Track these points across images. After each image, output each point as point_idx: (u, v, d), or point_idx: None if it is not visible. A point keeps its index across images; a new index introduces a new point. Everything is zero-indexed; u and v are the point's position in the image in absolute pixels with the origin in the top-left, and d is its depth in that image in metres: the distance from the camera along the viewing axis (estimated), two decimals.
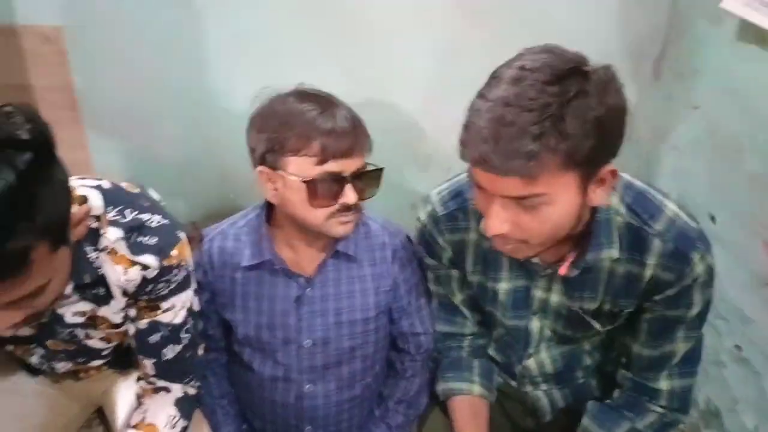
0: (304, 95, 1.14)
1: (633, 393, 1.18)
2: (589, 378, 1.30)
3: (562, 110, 0.82)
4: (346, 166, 1.10)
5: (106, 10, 1.53)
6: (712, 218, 1.43)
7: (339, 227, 1.15)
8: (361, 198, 1.14)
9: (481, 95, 0.88)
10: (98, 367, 1.30)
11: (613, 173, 0.93)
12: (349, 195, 1.11)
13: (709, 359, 1.49)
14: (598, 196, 0.94)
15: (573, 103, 0.82)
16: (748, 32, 1.29)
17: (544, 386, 1.29)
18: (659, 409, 1.15)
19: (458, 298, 1.28)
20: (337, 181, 1.11)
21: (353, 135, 1.11)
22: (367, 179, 1.16)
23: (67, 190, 0.86)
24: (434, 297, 1.32)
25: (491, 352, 1.34)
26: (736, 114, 1.35)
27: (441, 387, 1.28)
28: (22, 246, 0.76)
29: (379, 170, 1.18)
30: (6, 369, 1.28)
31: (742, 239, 1.35)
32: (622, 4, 1.54)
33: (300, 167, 1.10)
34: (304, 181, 1.10)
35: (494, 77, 0.88)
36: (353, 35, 1.58)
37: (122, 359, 1.31)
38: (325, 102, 1.13)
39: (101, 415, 1.46)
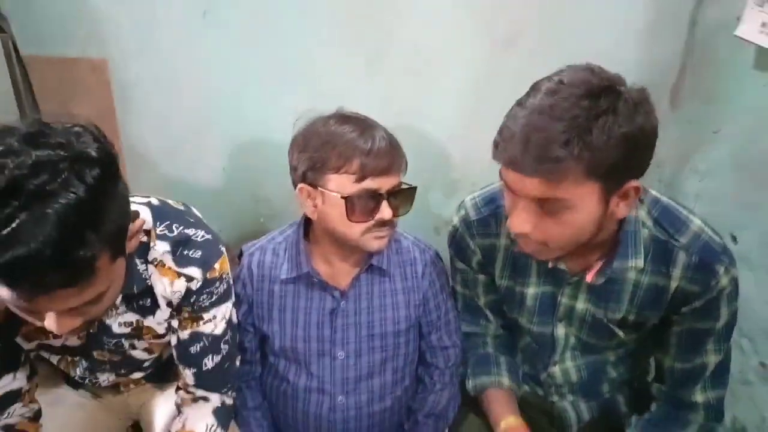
0: (345, 118, 1.21)
1: (671, 407, 1.21)
2: (616, 393, 1.32)
3: (590, 123, 0.88)
4: (383, 183, 1.17)
5: (147, 44, 1.65)
6: (734, 238, 1.46)
7: (374, 242, 1.21)
8: (395, 215, 1.20)
9: (519, 103, 0.95)
10: (138, 381, 1.36)
11: (637, 189, 0.98)
12: (385, 211, 1.18)
13: (735, 378, 1.50)
14: (621, 209, 0.99)
15: (602, 118, 0.88)
16: (766, 58, 1.34)
17: (570, 397, 1.32)
18: (696, 419, 1.18)
19: (482, 301, 1.33)
20: (374, 197, 1.17)
21: (390, 155, 1.17)
22: (402, 197, 1.22)
23: (127, 204, 0.93)
24: (460, 298, 1.38)
25: (517, 361, 1.38)
26: (758, 137, 1.40)
27: (472, 383, 1.33)
28: (90, 255, 0.82)
29: (413, 189, 1.25)
30: (50, 382, 1.34)
31: (764, 257, 1.38)
32: (641, 34, 1.60)
33: (340, 184, 1.16)
34: (344, 197, 1.16)
35: (534, 88, 0.95)
36: (386, 64, 1.66)
37: (161, 374, 1.37)
38: (364, 124, 1.20)
39: (136, 430, 1.49)
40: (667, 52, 1.65)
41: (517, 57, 1.62)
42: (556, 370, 1.30)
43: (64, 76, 1.70)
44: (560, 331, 1.25)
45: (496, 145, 0.96)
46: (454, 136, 1.76)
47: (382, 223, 1.19)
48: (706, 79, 1.59)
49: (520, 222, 0.99)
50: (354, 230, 1.19)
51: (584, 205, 0.95)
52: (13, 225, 0.76)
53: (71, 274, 0.83)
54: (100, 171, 0.83)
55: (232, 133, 1.76)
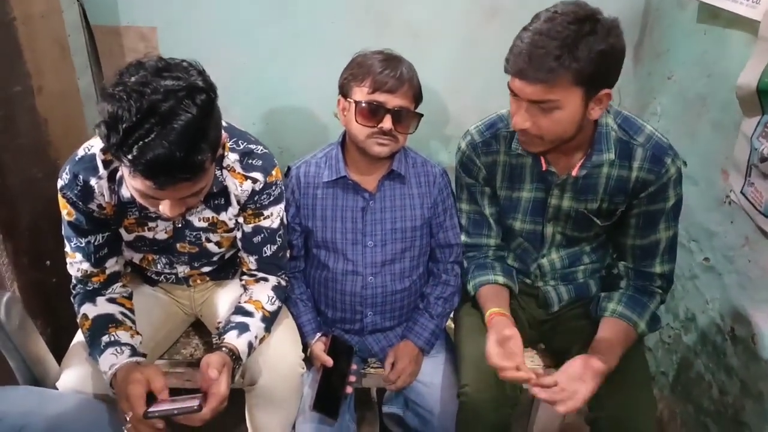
0: (381, 52, 1.53)
1: (637, 280, 1.51)
2: (588, 279, 1.64)
3: (577, 41, 1.20)
4: (389, 100, 1.48)
5: (191, 14, 1.93)
6: (684, 163, 1.78)
7: (376, 147, 1.52)
8: (396, 129, 1.50)
9: (525, 28, 1.26)
10: (204, 276, 1.65)
11: (608, 95, 1.29)
12: (386, 122, 1.49)
13: (685, 276, 1.83)
14: (596, 112, 1.31)
15: (585, 38, 1.20)
16: (704, 12, 1.67)
17: (552, 282, 1.64)
18: (658, 290, 1.50)
19: (488, 211, 1.62)
20: (380, 109, 1.49)
21: (399, 80, 1.48)
22: (405, 116, 1.52)
23: (221, 121, 1.23)
24: (465, 216, 1.67)
25: (510, 261, 1.68)
26: (701, 78, 1.71)
27: (471, 284, 1.61)
28: (204, 157, 1.13)
29: (416, 113, 1.55)
30: (134, 279, 1.65)
31: (707, 172, 1.69)
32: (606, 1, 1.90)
33: (358, 94, 1.50)
34: (356, 102, 1.49)
35: (535, 16, 1.26)
36: (391, 32, 1.96)
37: (221, 271, 1.67)
38: (391, 57, 1.52)
39: (195, 329, 1.81)
40: (630, 15, 1.97)
41: (498, 26, 1.94)
42: (544, 261, 1.60)
43: (117, 44, 1.98)
44: (548, 230, 1.56)
45: (507, 59, 1.27)
46: (448, 92, 2.07)
47: (383, 132, 1.50)
48: (660, 34, 1.92)
49: (522, 121, 1.29)
50: (361, 132, 1.51)
51: (570, 106, 1.26)
52: (153, 135, 1.06)
53: (191, 171, 1.12)
54: (206, 96, 1.12)
55: (262, 94, 2.07)
